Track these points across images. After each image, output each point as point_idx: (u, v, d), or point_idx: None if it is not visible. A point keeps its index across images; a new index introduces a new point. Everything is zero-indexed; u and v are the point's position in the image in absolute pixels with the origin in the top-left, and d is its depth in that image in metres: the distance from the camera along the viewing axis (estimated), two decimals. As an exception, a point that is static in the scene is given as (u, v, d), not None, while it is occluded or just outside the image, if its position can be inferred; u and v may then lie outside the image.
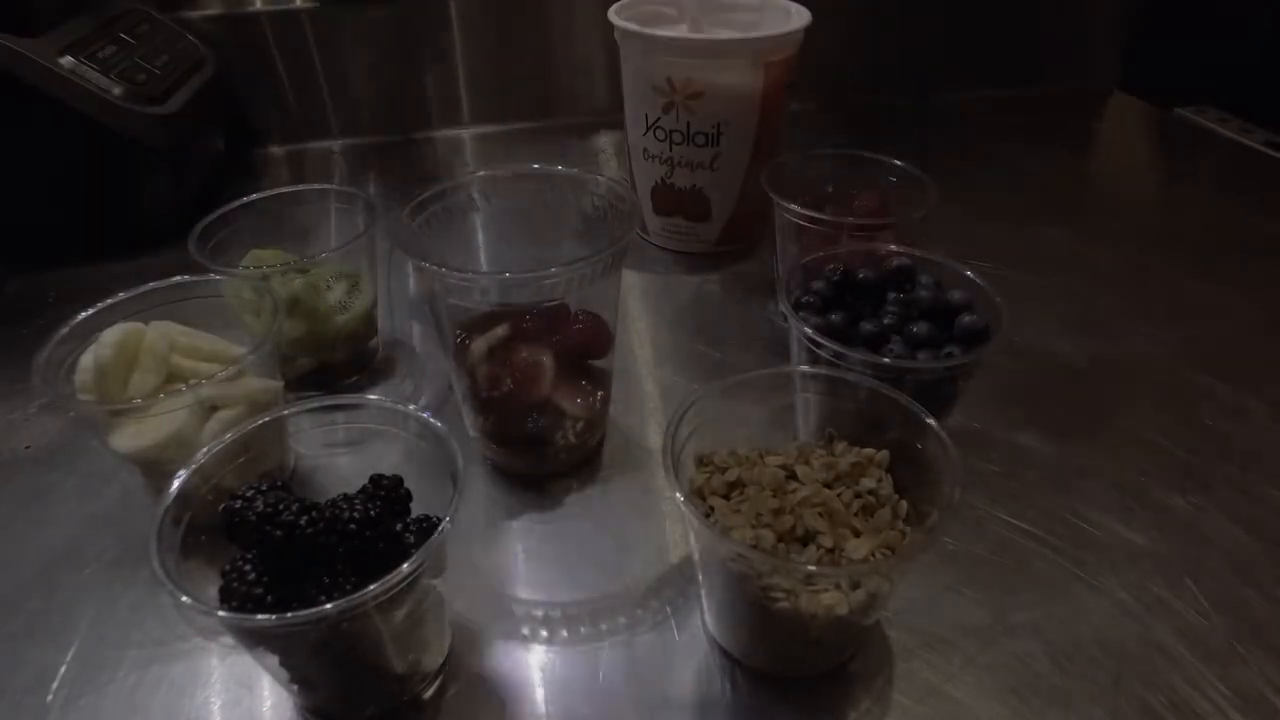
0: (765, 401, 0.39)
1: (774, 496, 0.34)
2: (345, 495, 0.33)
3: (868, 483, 0.35)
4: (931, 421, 0.34)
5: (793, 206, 0.52)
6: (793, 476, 0.36)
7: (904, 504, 0.35)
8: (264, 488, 0.32)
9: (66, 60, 0.61)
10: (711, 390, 0.37)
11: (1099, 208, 0.78)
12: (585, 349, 0.44)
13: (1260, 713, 0.34)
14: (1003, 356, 0.53)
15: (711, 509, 0.35)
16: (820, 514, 0.33)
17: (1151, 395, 0.52)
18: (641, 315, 0.61)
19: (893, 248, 0.47)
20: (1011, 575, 0.40)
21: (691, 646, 0.37)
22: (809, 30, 0.60)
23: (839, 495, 0.34)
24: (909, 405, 0.35)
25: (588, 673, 0.36)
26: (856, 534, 0.33)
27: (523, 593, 0.40)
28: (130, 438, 0.39)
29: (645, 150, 0.64)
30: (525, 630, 0.38)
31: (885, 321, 0.44)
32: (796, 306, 0.45)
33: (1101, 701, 0.35)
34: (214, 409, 0.40)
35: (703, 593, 0.37)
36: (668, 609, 0.39)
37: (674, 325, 0.60)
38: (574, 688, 0.36)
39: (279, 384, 0.43)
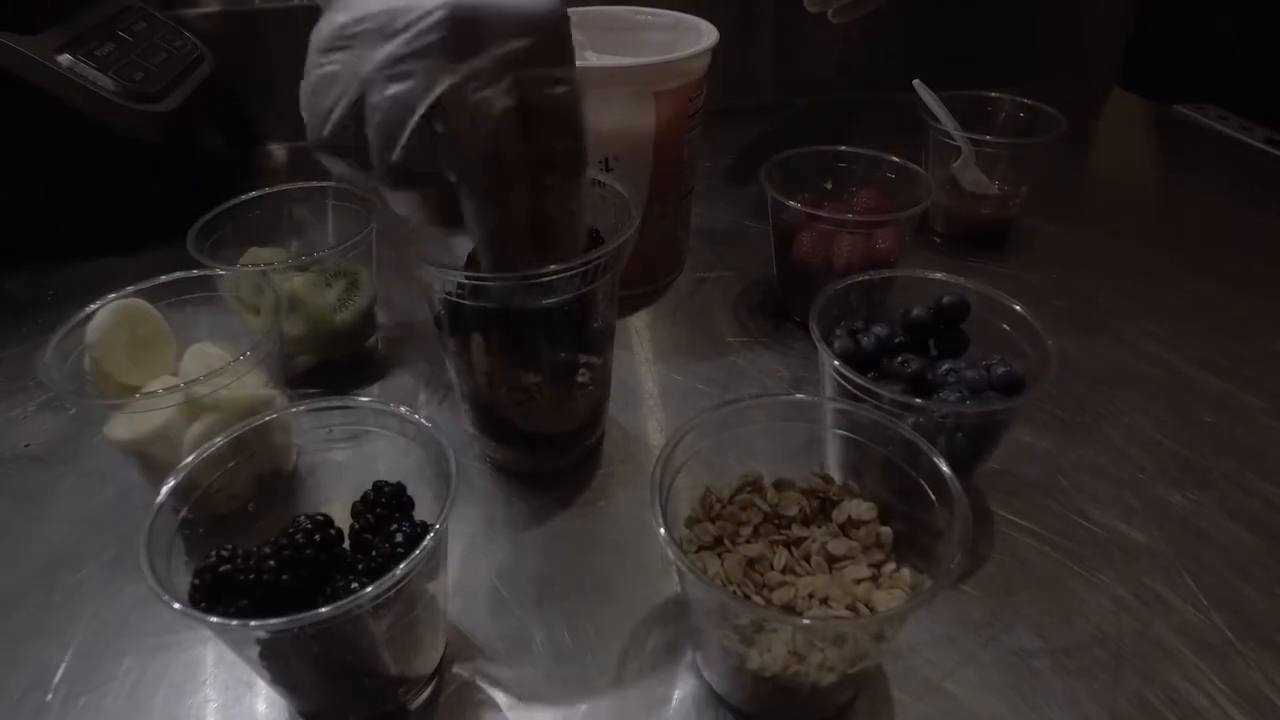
0: (767, 427, 0.38)
1: (761, 574, 0.34)
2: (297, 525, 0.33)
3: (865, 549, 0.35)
4: (947, 471, 0.33)
5: (793, 204, 0.52)
6: (787, 540, 0.36)
7: (890, 531, 0.35)
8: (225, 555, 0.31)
9: (64, 58, 0.60)
10: (709, 418, 0.36)
11: (1098, 204, 0.78)
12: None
13: (1258, 708, 0.35)
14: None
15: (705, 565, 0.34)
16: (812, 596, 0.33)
17: (1150, 391, 0.52)
18: (641, 311, 0.61)
19: (939, 275, 0.46)
20: (1010, 571, 0.40)
21: (690, 647, 0.37)
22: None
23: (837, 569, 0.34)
24: (930, 452, 0.33)
25: (588, 672, 0.36)
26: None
27: (522, 592, 0.40)
28: (122, 427, 0.39)
29: None
30: (524, 631, 0.38)
31: (931, 367, 0.43)
32: (828, 339, 0.43)
33: (1100, 698, 0.35)
34: (205, 410, 0.40)
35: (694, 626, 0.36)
36: (668, 607, 0.39)
37: (674, 321, 0.60)
38: (572, 691, 0.36)
39: (272, 394, 0.42)
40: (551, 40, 0.31)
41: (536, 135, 0.32)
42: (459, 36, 0.29)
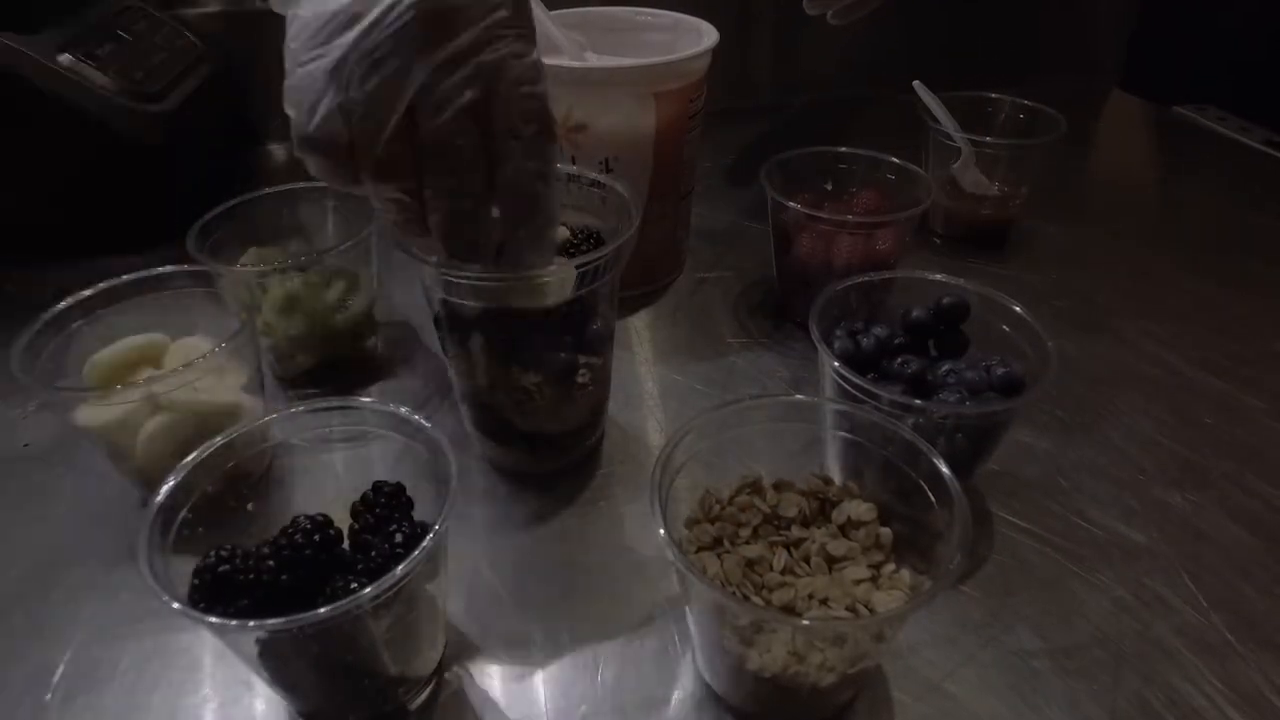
0: (767, 428, 0.38)
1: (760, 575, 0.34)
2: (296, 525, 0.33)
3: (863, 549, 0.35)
4: (946, 472, 0.32)
5: (793, 205, 0.52)
6: (786, 540, 0.36)
7: (890, 532, 0.35)
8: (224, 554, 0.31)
9: (65, 58, 0.60)
10: (709, 419, 0.36)
11: (1098, 205, 0.78)
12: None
13: (1257, 709, 0.35)
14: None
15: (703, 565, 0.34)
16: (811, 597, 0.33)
17: (1150, 392, 0.52)
18: (641, 311, 0.61)
19: (939, 276, 0.46)
20: (1010, 572, 0.40)
21: (690, 648, 0.37)
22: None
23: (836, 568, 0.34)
24: (930, 454, 0.33)
25: (588, 672, 0.36)
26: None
27: (521, 592, 0.40)
28: (86, 414, 0.40)
29: None
30: (523, 631, 0.38)
31: (932, 368, 0.43)
32: (828, 340, 0.43)
33: (1100, 698, 0.35)
34: (160, 409, 0.40)
35: (691, 630, 0.36)
36: (666, 608, 0.39)
37: (674, 321, 0.60)
38: (572, 691, 0.36)
39: (238, 401, 0.42)
40: (519, 10, 0.32)
41: (504, 113, 0.32)
42: (429, 21, 0.29)
